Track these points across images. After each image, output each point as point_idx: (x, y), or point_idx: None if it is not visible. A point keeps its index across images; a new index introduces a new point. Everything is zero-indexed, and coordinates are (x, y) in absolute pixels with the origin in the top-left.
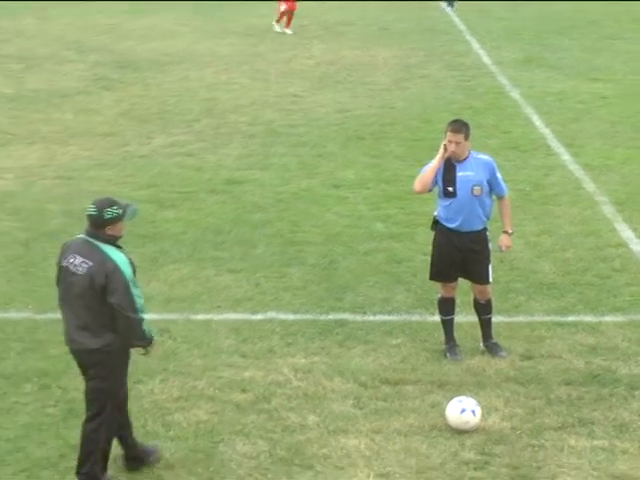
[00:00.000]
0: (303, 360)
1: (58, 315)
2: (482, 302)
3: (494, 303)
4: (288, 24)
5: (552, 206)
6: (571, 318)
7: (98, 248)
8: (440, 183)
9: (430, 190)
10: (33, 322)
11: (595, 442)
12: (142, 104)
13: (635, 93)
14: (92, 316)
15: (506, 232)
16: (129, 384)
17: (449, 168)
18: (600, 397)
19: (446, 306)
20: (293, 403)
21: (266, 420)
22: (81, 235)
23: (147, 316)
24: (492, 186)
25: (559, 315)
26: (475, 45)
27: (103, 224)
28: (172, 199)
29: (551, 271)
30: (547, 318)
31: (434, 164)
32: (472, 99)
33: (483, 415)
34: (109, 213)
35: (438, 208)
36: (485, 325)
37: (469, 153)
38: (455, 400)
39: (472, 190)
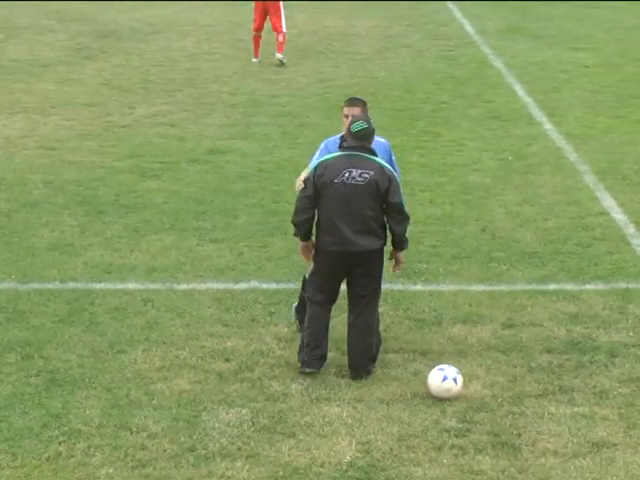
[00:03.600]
0: (286, 329)
1: (41, 285)
2: None
3: (476, 271)
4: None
5: (534, 175)
6: (552, 286)
7: (371, 159)
8: None
9: None
10: (15, 292)
11: (575, 409)
12: (124, 74)
13: (616, 62)
14: (373, 220)
15: None
16: (110, 354)
17: None
18: (580, 365)
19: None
20: (276, 372)
21: (249, 389)
22: (339, 153)
23: (131, 285)
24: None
25: (540, 284)
26: (458, 14)
27: (372, 135)
28: (154, 169)
29: (532, 240)
30: (528, 287)
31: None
32: (454, 69)
33: (464, 383)
34: (373, 125)
35: None
36: None
37: None
38: (437, 368)
39: None
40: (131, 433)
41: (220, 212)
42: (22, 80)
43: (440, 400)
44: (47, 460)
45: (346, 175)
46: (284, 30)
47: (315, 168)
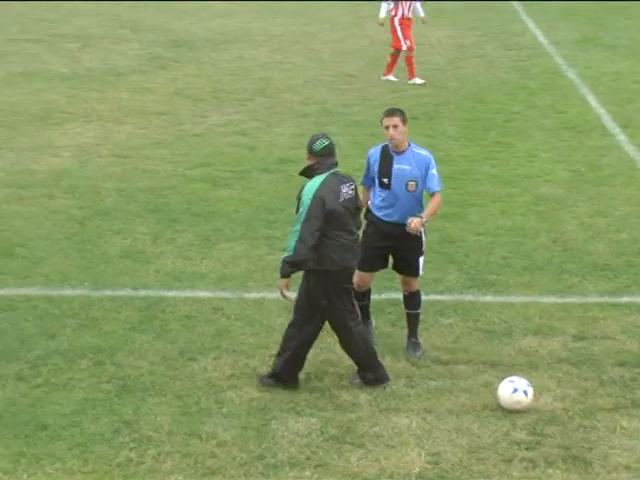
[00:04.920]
0: None
1: (113, 292)
2: (407, 294)
3: (547, 283)
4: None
5: (607, 187)
6: (625, 299)
7: (341, 172)
8: (376, 173)
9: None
10: (88, 299)
11: None
12: (196, 83)
13: None
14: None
15: (420, 216)
16: (181, 362)
17: (386, 158)
18: None
19: (358, 296)
20: (345, 381)
21: (318, 398)
22: (327, 175)
23: (201, 293)
24: (424, 181)
25: (613, 296)
26: (531, 25)
27: (334, 149)
28: (226, 178)
29: (605, 252)
30: (601, 299)
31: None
32: (527, 79)
33: (535, 395)
34: (333, 139)
35: (374, 196)
36: (411, 320)
37: (409, 146)
38: (507, 380)
39: (407, 185)
40: (201, 441)
41: (290, 221)
42: (96, 89)
43: (510, 412)
44: (118, 466)
45: (343, 191)
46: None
47: (319, 196)
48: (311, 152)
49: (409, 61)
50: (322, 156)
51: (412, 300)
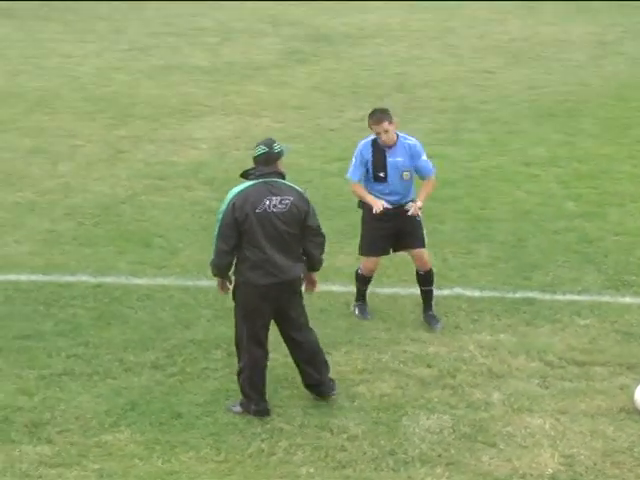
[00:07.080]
0: (489, 337)
1: None
2: (422, 273)
3: None
4: None
5: None
6: None
7: (287, 185)
8: (370, 168)
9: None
10: None
11: None
12: (334, 78)
13: None
14: (297, 246)
15: (414, 200)
16: None
17: (379, 153)
18: None
19: (364, 280)
20: (478, 380)
21: (450, 396)
22: (255, 182)
23: (335, 288)
24: (417, 169)
25: None
26: None
27: (276, 159)
28: None
29: None
30: None
31: (365, 197)
32: None
33: None
34: (277, 148)
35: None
36: (426, 296)
37: (397, 137)
38: None
39: (402, 175)
40: (332, 434)
41: (426, 217)
42: (235, 82)
43: None
44: (250, 456)
45: (267, 204)
46: None
47: (232, 202)
48: (253, 157)
49: None
50: (258, 163)
51: (426, 278)
